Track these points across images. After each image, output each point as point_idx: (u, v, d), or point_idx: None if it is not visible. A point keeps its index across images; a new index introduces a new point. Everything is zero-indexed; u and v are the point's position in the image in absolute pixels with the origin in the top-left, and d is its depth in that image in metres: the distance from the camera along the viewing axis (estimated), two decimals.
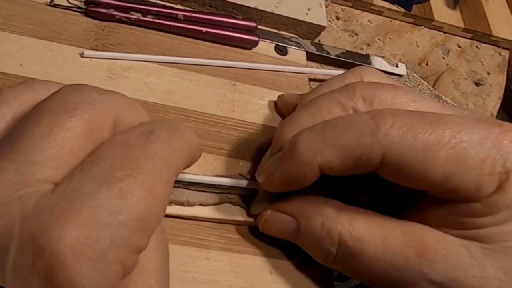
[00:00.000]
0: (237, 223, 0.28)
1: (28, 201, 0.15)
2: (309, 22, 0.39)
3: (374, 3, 0.47)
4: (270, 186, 0.26)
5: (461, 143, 0.22)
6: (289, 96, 0.34)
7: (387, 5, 0.48)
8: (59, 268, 0.14)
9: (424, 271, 0.22)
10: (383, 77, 0.28)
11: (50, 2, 0.33)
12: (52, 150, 0.16)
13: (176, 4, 0.38)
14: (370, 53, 0.44)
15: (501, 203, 0.22)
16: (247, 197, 0.27)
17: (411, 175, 0.22)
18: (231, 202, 0.27)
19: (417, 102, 0.25)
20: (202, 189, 0.27)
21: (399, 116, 0.23)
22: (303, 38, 0.40)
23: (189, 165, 0.21)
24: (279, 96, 0.35)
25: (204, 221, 0.27)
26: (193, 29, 0.35)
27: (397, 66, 0.43)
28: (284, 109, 0.34)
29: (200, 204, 0.27)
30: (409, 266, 0.23)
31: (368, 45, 0.46)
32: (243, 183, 0.27)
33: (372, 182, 0.27)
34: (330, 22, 0.45)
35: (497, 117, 0.46)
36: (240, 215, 0.27)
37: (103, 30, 0.33)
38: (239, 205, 0.27)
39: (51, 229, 0.14)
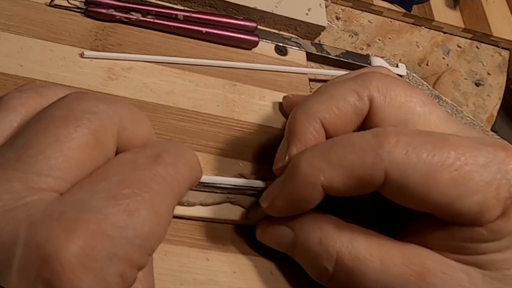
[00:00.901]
0: (237, 223, 0.28)
1: (35, 208, 0.15)
2: (309, 23, 0.39)
3: (374, 3, 0.47)
4: (275, 211, 0.25)
5: (466, 165, 0.21)
6: (295, 97, 0.34)
7: (387, 5, 0.48)
8: (63, 276, 0.14)
9: None
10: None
11: (50, 3, 0.33)
12: (58, 160, 0.16)
13: (176, 4, 0.38)
14: (370, 54, 0.44)
15: (505, 229, 0.22)
16: (247, 197, 0.27)
17: (414, 196, 0.22)
18: (231, 202, 0.27)
19: (426, 106, 0.25)
20: (202, 189, 0.27)
21: (402, 135, 0.22)
22: (303, 39, 0.40)
23: (191, 187, 0.21)
24: (284, 97, 0.34)
25: (204, 221, 0.27)
26: (193, 29, 0.35)
27: (397, 66, 0.43)
28: (289, 110, 0.33)
29: (200, 204, 0.27)
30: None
31: (368, 45, 0.46)
32: (243, 183, 0.27)
33: (374, 199, 0.27)
34: (330, 22, 0.45)
35: (497, 117, 0.46)
36: (240, 215, 0.27)
37: (103, 30, 0.33)
38: (239, 205, 0.27)
39: (58, 236, 0.15)
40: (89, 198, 0.16)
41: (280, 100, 0.35)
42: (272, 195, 0.25)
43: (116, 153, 0.19)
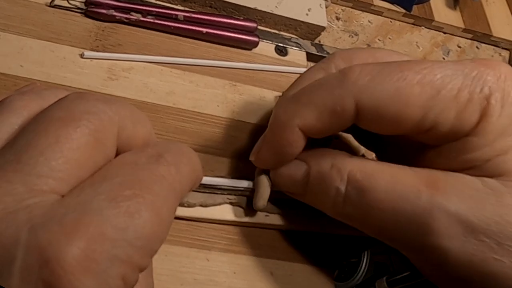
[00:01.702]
0: (237, 224, 0.28)
1: (36, 211, 0.15)
2: (309, 23, 0.39)
3: (374, 3, 0.47)
4: (261, 162, 0.26)
5: (433, 75, 0.22)
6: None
7: (387, 5, 0.48)
8: (65, 279, 0.14)
9: (438, 202, 0.21)
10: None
11: (50, 3, 0.33)
12: (58, 161, 0.16)
13: (176, 4, 0.38)
14: None
15: (492, 129, 0.21)
16: (247, 198, 0.27)
17: (388, 117, 0.22)
18: (231, 203, 0.27)
19: (394, 55, 0.25)
20: (202, 190, 0.27)
21: (366, 65, 0.23)
22: (303, 39, 0.40)
23: (192, 188, 0.21)
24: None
25: (204, 222, 0.27)
26: (193, 29, 0.35)
27: None
28: None
29: (200, 205, 0.27)
30: (421, 198, 0.22)
31: (368, 45, 0.46)
32: (243, 184, 0.27)
33: (373, 146, 0.27)
34: (330, 23, 0.45)
35: None
36: (240, 216, 0.27)
37: (103, 31, 0.33)
38: (239, 206, 0.27)
39: (60, 239, 0.15)
40: (90, 200, 0.16)
41: None
42: (257, 148, 0.26)
43: (117, 153, 0.19)
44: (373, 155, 0.30)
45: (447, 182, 0.22)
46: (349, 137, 0.31)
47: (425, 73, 0.22)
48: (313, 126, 0.23)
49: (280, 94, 0.35)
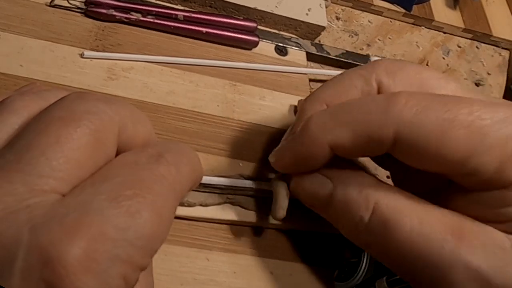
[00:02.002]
0: (237, 224, 0.28)
1: (37, 211, 0.15)
2: (309, 23, 0.39)
3: (374, 3, 0.47)
4: (280, 165, 0.25)
5: (481, 120, 0.20)
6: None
7: (387, 5, 0.48)
8: (66, 278, 0.15)
9: (462, 255, 0.21)
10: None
11: (50, 3, 0.33)
12: (59, 161, 0.16)
13: (176, 4, 0.38)
14: (370, 54, 0.44)
15: None
16: (247, 198, 0.27)
17: (427, 154, 0.21)
18: (231, 203, 0.27)
19: (441, 80, 0.24)
20: (203, 190, 0.27)
21: (412, 96, 0.22)
22: (303, 39, 0.40)
23: (192, 188, 0.21)
24: (299, 101, 0.35)
25: (204, 221, 0.27)
26: (193, 29, 0.35)
27: None
28: None
29: (200, 205, 0.27)
30: (445, 247, 0.21)
31: (368, 45, 0.46)
32: (244, 183, 0.27)
33: (399, 176, 0.27)
34: (330, 23, 0.45)
35: None
36: (240, 216, 0.27)
37: (103, 30, 0.33)
38: (240, 206, 0.27)
39: (61, 239, 0.15)
40: (91, 199, 0.16)
41: (282, 101, 0.35)
42: (280, 151, 0.25)
43: (117, 153, 0.19)
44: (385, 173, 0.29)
45: (475, 234, 0.21)
46: None
47: (476, 115, 0.21)
48: (345, 147, 0.23)
49: (281, 93, 0.35)
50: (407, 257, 0.22)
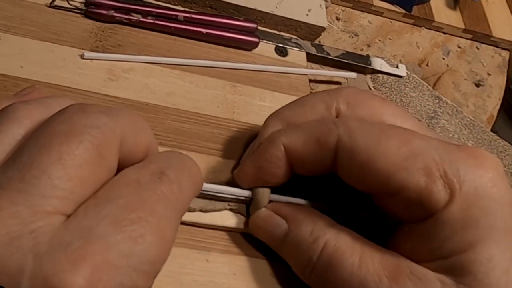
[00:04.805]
0: (236, 231, 0.28)
1: (41, 237, 0.15)
2: (309, 23, 0.39)
3: (374, 4, 0.47)
4: (242, 176, 0.26)
5: (416, 142, 0.22)
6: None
7: (387, 6, 0.48)
8: None
9: None
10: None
11: (50, 4, 0.33)
12: (61, 180, 0.16)
13: (176, 5, 0.38)
14: (370, 54, 0.44)
15: (459, 218, 0.21)
16: (247, 205, 0.27)
17: (360, 162, 0.23)
18: (231, 210, 0.27)
19: (398, 118, 0.25)
20: (203, 196, 0.26)
21: (361, 120, 0.24)
22: (303, 39, 0.40)
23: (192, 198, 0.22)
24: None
25: (204, 227, 0.27)
26: (193, 30, 0.35)
27: (397, 67, 0.43)
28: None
29: (200, 211, 0.26)
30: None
31: (368, 46, 0.46)
32: (244, 192, 0.27)
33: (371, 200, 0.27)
34: (330, 23, 0.45)
35: (497, 118, 0.46)
36: (240, 223, 0.27)
37: (103, 31, 0.33)
38: (240, 213, 0.27)
39: (65, 269, 0.15)
40: (95, 224, 0.16)
41: (282, 101, 0.35)
42: (243, 164, 0.27)
43: (118, 163, 0.19)
44: None
45: (409, 278, 0.22)
46: None
47: (411, 138, 0.23)
48: (297, 149, 0.24)
49: (281, 94, 0.35)
50: None
